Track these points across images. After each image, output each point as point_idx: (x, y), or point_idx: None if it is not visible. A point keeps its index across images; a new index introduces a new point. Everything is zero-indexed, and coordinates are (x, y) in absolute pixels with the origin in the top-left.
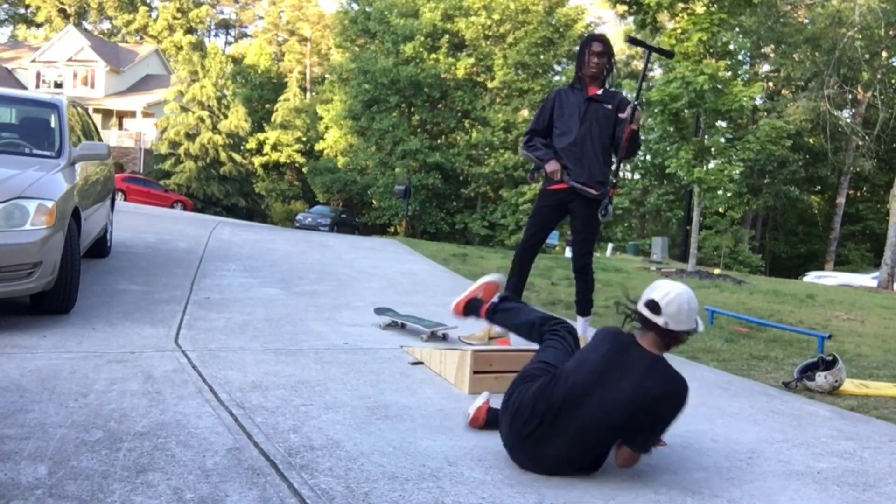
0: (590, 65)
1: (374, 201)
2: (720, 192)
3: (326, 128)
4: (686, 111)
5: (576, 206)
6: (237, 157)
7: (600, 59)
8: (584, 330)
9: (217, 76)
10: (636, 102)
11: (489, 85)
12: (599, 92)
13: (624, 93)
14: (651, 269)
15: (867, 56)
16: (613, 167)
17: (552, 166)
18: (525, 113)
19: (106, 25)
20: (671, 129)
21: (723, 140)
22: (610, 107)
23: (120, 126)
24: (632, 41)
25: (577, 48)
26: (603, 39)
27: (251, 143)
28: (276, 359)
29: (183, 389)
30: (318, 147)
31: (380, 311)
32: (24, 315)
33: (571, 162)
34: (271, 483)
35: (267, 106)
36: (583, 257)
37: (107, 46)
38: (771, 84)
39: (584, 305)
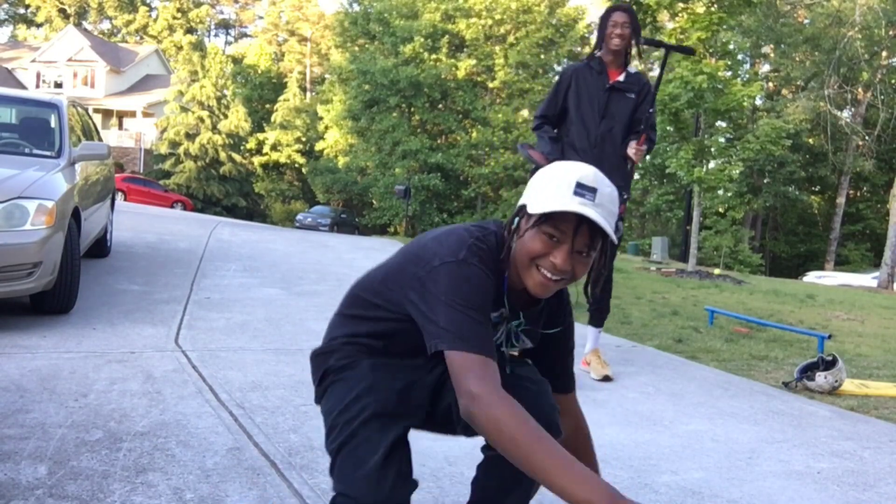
0: (611, 39)
1: (375, 201)
2: (720, 192)
3: (326, 128)
4: (686, 111)
5: None
6: (237, 157)
7: (623, 32)
8: (596, 342)
9: (217, 76)
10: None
11: (490, 85)
12: (621, 77)
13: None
14: (651, 269)
15: (867, 56)
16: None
17: None
18: (525, 113)
19: (106, 25)
20: (671, 129)
21: (723, 140)
22: (633, 96)
23: (120, 126)
24: (648, 42)
25: (577, 48)
26: (628, 10)
27: (251, 143)
28: (276, 359)
29: (183, 389)
30: (318, 147)
31: None
32: (24, 315)
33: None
34: (271, 483)
35: (267, 106)
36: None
37: (107, 46)
38: (771, 84)
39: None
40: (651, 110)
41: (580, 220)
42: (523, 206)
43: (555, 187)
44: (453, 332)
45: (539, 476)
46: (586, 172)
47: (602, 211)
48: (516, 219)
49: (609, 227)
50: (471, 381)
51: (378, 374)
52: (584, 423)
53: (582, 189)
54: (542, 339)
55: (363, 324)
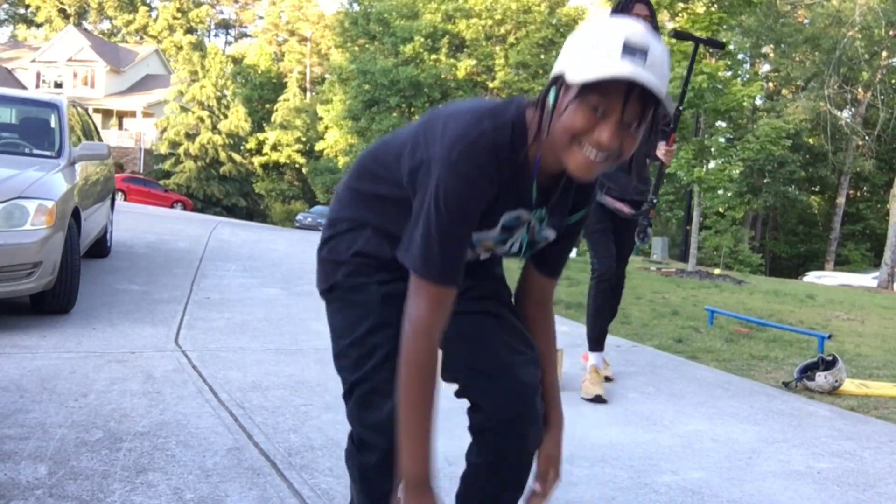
0: None
1: None
2: (720, 192)
3: (326, 128)
4: (686, 111)
5: (617, 221)
6: (237, 157)
7: (647, 25)
8: (599, 360)
9: (217, 76)
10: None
11: (490, 85)
12: None
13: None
14: (651, 269)
15: (867, 56)
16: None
17: None
18: None
19: (106, 25)
20: None
21: (723, 140)
22: None
23: (120, 126)
24: (679, 35)
25: None
26: (649, 3)
27: (251, 143)
28: (276, 359)
29: (183, 389)
30: (318, 147)
31: None
32: (24, 315)
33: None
34: (271, 483)
35: (267, 106)
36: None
37: (107, 46)
38: (771, 84)
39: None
40: (680, 108)
41: (630, 87)
42: (560, 77)
43: (599, 49)
44: (422, 253)
45: (399, 424)
46: (634, 30)
47: (655, 74)
48: (552, 90)
49: (663, 95)
50: (417, 309)
51: (388, 307)
52: (550, 313)
53: (631, 49)
54: None
55: (369, 205)
